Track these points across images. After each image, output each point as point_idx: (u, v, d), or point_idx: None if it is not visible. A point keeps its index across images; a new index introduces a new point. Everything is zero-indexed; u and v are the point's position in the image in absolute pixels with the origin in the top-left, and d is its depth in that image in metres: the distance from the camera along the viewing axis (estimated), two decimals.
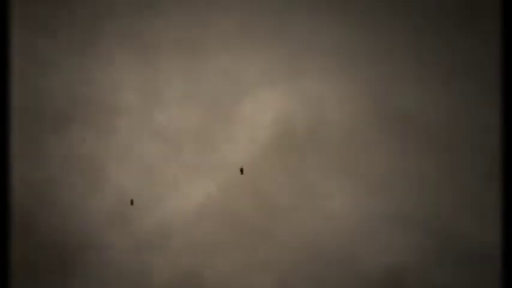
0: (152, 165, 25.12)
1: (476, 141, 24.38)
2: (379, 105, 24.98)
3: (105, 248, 24.38)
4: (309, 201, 24.66)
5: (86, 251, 24.28)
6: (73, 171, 24.77)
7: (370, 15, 25.25)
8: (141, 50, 25.49)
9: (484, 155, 24.21)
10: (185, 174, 25.08)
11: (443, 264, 23.81)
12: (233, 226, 24.63)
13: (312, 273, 24.17)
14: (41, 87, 25.05)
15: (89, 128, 25.04)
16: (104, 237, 24.44)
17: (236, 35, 25.69)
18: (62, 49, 25.27)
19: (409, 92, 24.99)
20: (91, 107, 25.18)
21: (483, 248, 23.61)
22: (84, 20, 25.43)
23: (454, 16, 24.96)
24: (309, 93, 25.33)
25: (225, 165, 25.06)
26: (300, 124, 25.17)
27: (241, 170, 23.77)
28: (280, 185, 24.70)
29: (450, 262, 23.80)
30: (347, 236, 24.35)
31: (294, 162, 24.92)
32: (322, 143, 24.98)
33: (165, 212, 24.79)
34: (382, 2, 25.33)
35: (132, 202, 24.31)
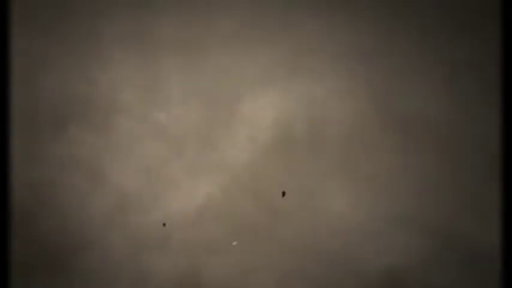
0: (152, 165, 25.09)
1: (476, 141, 24.43)
2: (380, 105, 24.99)
3: (104, 248, 24.36)
4: (309, 201, 24.66)
5: (85, 251, 24.25)
6: (73, 172, 24.74)
7: (370, 15, 25.27)
8: (141, 50, 25.46)
9: (484, 155, 24.26)
10: (185, 174, 25.06)
11: (443, 264, 23.85)
12: (233, 226, 24.62)
13: (312, 274, 24.17)
14: (40, 87, 25.01)
15: (88, 128, 25.01)
16: (103, 237, 24.42)
17: (236, 34, 25.68)
18: (61, 49, 25.23)
19: (409, 93, 25.02)
20: (91, 107, 25.15)
21: (483, 248, 23.65)
22: (84, 20, 25.39)
23: (454, 16, 24.99)
24: (310, 92, 25.32)
25: (225, 165, 25.05)
26: (300, 124, 25.16)
27: (283, 193, 23.99)
28: (280, 185, 24.68)
29: (450, 262, 23.83)
30: (347, 236, 24.36)
31: (294, 162, 24.91)
32: (322, 143, 24.98)
33: (165, 212, 24.77)
34: (382, 2, 25.36)
35: (164, 224, 24.50)
